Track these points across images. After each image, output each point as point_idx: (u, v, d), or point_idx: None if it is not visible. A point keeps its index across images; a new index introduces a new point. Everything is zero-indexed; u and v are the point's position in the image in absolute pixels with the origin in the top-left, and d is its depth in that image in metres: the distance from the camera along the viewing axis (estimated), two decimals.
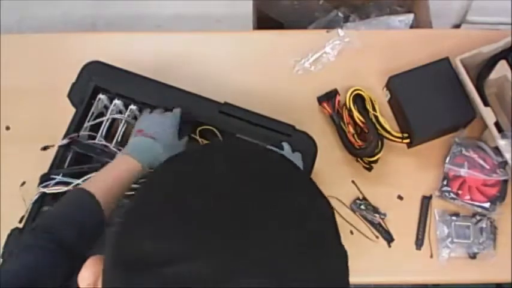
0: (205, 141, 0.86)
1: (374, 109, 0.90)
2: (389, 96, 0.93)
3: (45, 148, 0.83)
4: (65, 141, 0.82)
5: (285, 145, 0.79)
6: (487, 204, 0.86)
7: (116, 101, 0.84)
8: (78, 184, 0.77)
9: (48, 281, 0.55)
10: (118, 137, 0.82)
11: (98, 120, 0.84)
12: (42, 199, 0.80)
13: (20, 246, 0.58)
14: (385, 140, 0.89)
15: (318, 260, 0.34)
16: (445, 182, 0.88)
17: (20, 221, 0.80)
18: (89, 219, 0.62)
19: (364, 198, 0.89)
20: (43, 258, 0.56)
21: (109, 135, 0.85)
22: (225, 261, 0.31)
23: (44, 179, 0.80)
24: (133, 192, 0.70)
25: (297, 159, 0.77)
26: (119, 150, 0.80)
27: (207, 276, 0.30)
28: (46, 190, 0.78)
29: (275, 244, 0.33)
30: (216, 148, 0.41)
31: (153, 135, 0.73)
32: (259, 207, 0.34)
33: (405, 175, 0.91)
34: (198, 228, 0.32)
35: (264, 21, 1.30)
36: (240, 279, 0.31)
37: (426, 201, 0.89)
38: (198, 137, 0.84)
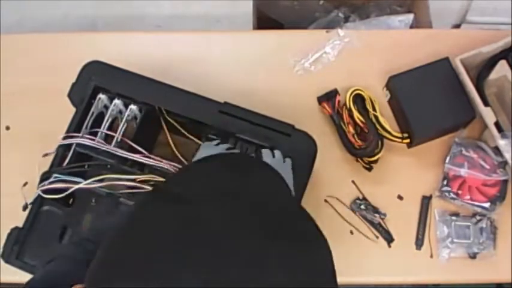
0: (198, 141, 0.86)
1: (374, 109, 0.90)
2: (389, 96, 0.93)
3: (46, 155, 0.83)
4: (65, 141, 0.82)
5: (277, 153, 0.78)
6: (487, 204, 0.86)
7: (116, 101, 0.84)
8: (78, 183, 0.78)
9: None
10: (118, 137, 0.82)
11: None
12: (42, 199, 0.80)
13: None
14: (385, 140, 0.89)
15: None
16: (445, 182, 0.88)
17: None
18: None
19: (364, 198, 0.89)
20: (75, 270, 0.56)
21: (109, 135, 0.85)
22: None
23: (45, 177, 0.80)
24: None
25: (287, 167, 0.76)
26: (119, 149, 0.80)
27: None
28: (44, 188, 0.78)
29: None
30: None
31: None
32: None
33: (405, 175, 0.91)
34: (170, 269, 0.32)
35: (264, 21, 1.30)
36: None
37: (426, 201, 0.89)
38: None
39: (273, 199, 0.41)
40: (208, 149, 0.78)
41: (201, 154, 0.77)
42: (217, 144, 0.79)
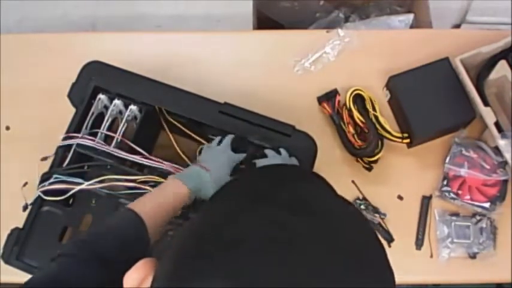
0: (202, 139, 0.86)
1: (374, 109, 0.90)
2: (389, 96, 0.93)
3: (44, 159, 0.83)
4: (65, 142, 0.82)
5: (282, 151, 0.78)
6: (487, 204, 0.86)
7: (116, 101, 0.84)
8: (79, 183, 0.78)
9: None
10: (118, 137, 0.82)
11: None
12: (42, 199, 0.80)
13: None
14: (385, 140, 0.89)
15: None
16: (445, 182, 0.88)
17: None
18: (132, 237, 0.61)
19: (364, 198, 0.89)
20: (76, 269, 0.56)
21: (109, 136, 0.85)
22: None
23: (45, 178, 0.80)
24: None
25: (293, 163, 0.77)
26: (119, 149, 0.80)
27: None
28: (44, 189, 0.78)
29: None
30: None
31: (208, 168, 0.73)
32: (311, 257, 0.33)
33: (405, 175, 0.91)
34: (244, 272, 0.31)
35: (264, 22, 1.30)
36: None
37: (426, 201, 0.89)
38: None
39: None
40: (211, 150, 0.78)
41: (205, 158, 0.77)
42: (218, 143, 0.80)
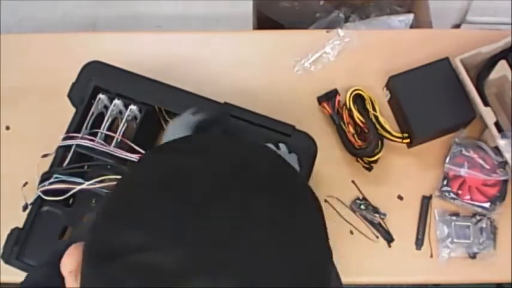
0: None
1: (374, 109, 0.90)
2: (389, 96, 0.93)
3: (45, 155, 0.83)
4: (65, 142, 0.82)
5: (282, 146, 0.79)
6: (487, 204, 0.86)
7: (116, 101, 0.84)
8: (79, 183, 0.78)
9: None
10: (118, 137, 0.82)
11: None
12: (42, 199, 0.80)
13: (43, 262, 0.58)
14: (385, 140, 0.89)
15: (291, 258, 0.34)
16: (445, 182, 0.88)
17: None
18: None
19: (364, 198, 0.89)
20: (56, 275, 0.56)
21: (109, 136, 0.85)
22: (187, 256, 0.31)
23: (45, 178, 0.80)
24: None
25: (293, 160, 0.77)
26: (119, 149, 0.80)
27: (167, 269, 0.30)
28: (44, 189, 0.78)
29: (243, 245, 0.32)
30: (208, 142, 0.40)
31: None
32: (234, 206, 0.34)
33: (405, 175, 0.91)
34: (172, 220, 0.32)
35: (264, 22, 1.30)
36: (194, 277, 0.30)
37: (426, 201, 0.89)
38: None
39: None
40: (170, 127, 0.78)
41: (168, 135, 0.75)
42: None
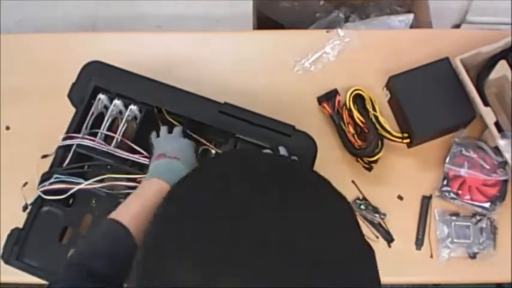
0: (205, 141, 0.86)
1: (374, 109, 0.90)
2: (389, 96, 0.93)
3: (45, 156, 0.83)
4: (65, 142, 0.82)
5: (282, 149, 0.78)
6: (487, 204, 0.86)
7: (116, 101, 0.84)
8: (79, 183, 0.78)
9: None
10: (118, 137, 0.82)
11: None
12: (42, 199, 0.80)
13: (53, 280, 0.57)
14: (385, 140, 0.89)
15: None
16: (445, 182, 0.88)
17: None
18: (120, 249, 0.61)
19: (364, 198, 0.89)
20: None
21: (109, 136, 0.85)
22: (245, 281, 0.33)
23: (45, 178, 0.80)
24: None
25: None
26: (119, 149, 0.80)
27: None
28: (44, 189, 0.78)
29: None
30: (232, 161, 0.43)
31: (177, 157, 0.72)
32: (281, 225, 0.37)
33: (405, 175, 0.91)
34: (221, 251, 0.35)
35: (264, 22, 1.30)
36: None
37: (426, 201, 0.89)
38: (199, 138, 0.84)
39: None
40: (168, 140, 0.78)
41: (167, 148, 0.75)
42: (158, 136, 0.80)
